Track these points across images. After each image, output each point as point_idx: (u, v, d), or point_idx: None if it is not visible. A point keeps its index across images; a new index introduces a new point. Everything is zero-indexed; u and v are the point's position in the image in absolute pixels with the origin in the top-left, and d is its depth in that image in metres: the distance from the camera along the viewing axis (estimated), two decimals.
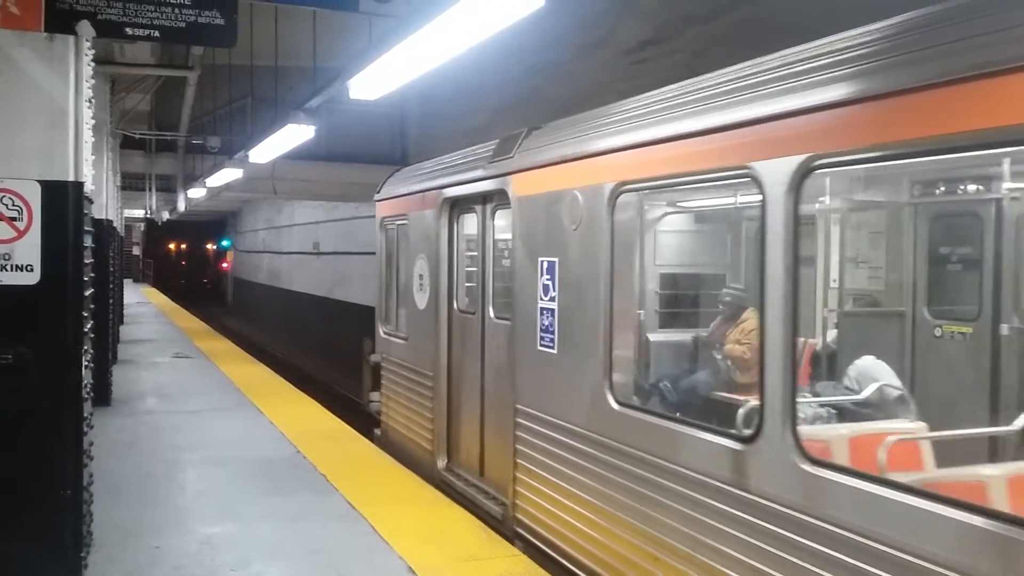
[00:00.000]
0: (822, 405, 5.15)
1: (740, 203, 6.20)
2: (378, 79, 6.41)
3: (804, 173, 3.51)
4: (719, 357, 6.46)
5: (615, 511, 4.74)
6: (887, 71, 3.19)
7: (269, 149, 12.08)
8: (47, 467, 4.59)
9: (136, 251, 46.61)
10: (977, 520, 2.77)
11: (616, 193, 4.88)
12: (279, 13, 10.92)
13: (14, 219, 4.46)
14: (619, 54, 10.10)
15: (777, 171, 3.58)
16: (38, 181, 4.50)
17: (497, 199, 6.57)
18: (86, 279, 4.82)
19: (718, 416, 5.23)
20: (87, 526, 4.94)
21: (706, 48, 8.94)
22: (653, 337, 6.68)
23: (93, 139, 4.99)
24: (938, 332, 5.83)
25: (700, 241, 7.32)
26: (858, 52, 3.38)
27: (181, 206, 26.10)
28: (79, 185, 4.64)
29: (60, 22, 4.52)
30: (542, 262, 5.66)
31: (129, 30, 4.72)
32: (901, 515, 3.02)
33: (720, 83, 4.18)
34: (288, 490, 6.79)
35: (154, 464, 7.52)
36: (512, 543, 5.73)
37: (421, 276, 7.88)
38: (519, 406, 5.90)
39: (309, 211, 30.13)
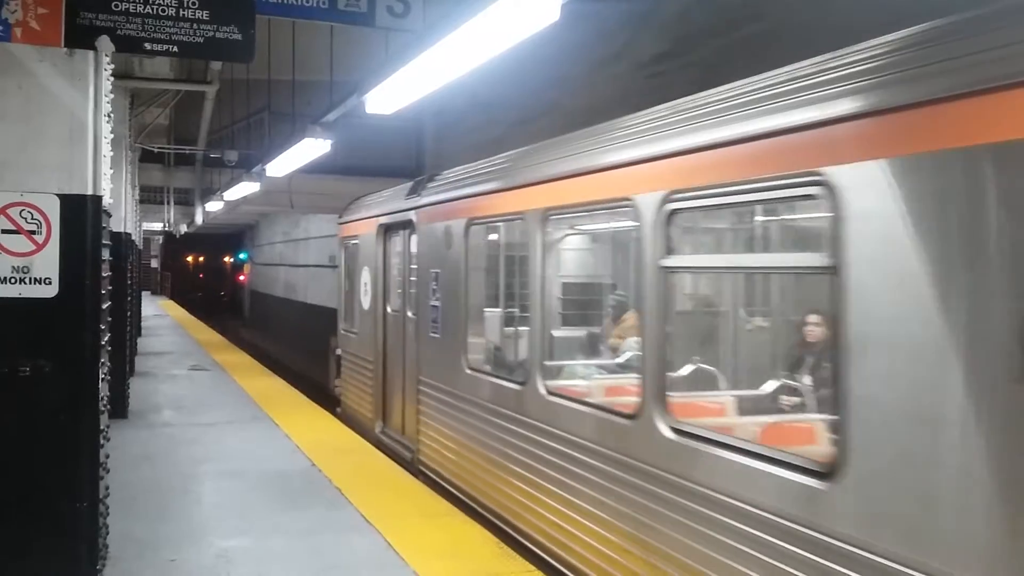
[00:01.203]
0: (585, 366, 7.11)
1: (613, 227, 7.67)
2: (394, 94, 6.43)
3: (664, 203, 4.48)
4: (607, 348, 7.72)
5: (469, 442, 6.94)
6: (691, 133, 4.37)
7: (286, 163, 12.14)
8: (63, 479, 4.60)
9: (154, 264, 46.98)
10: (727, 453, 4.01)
11: (468, 226, 7.12)
12: (296, 28, 11.00)
13: (33, 232, 4.49)
14: (635, 67, 10.11)
15: (648, 202, 4.58)
16: (57, 195, 4.53)
17: (412, 226, 8.51)
18: (104, 292, 4.85)
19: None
20: (103, 539, 4.95)
21: (722, 61, 8.93)
22: (556, 333, 7.63)
23: (112, 153, 5.02)
24: (749, 326, 7.16)
25: (595, 257, 8.95)
26: (692, 113, 4.47)
27: (199, 219, 26.29)
28: (98, 199, 4.67)
29: (80, 37, 4.57)
30: (431, 272, 7.80)
31: (148, 45, 4.76)
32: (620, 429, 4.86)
33: (601, 133, 5.42)
34: (303, 503, 6.79)
35: (170, 476, 7.54)
36: (417, 477, 7.81)
37: (366, 284, 10.13)
38: (420, 377, 8.11)
39: (325, 224, 30.19)
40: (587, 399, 5.62)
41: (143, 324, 21.19)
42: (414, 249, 8.49)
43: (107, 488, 5.04)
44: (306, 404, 11.60)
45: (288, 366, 25.68)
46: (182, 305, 37.54)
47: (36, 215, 4.49)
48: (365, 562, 5.49)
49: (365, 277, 10.16)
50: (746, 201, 4.60)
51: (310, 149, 10.18)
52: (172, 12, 4.76)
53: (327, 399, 12.60)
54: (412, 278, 8.55)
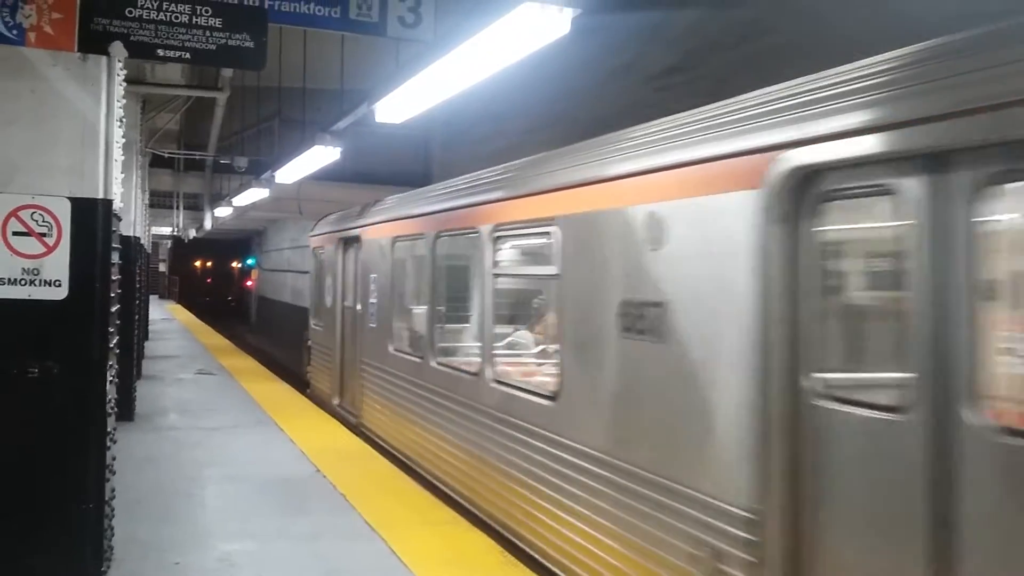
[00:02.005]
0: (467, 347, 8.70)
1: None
2: (404, 103, 6.48)
3: (493, 231, 6.82)
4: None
5: (391, 404, 9.23)
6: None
7: (295, 170, 12.20)
8: (70, 480, 4.64)
9: (162, 268, 47.11)
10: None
11: (393, 242, 9.51)
12: (308, 36, 11.07)
13: (44, 235, 4.54)
14: (644, 80, 10.15)
15: (486, 231, 6.90)
16: (68, 198, 4.58)
17: (359, 241, 10.91)
18: (113, 295, 4.89)
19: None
20: (108, 541, 4.97)
21: (732, 75, 8.96)
22: (449, 324, 9.27)
23: (123, 157, 5.07)
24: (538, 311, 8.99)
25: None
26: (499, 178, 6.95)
27: (207, 224, 26.40)
28: (108, 202, 4.71)
29: (93, 43, 4.62)
30: (371, 276, 10.28)
31: (161, 52, 4.81)
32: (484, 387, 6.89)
33: (469, 182, 7.71)
34: (307, 508, 6.80)
35: (175, 480, 7.56)
36: (360, 437, 9.86)
37: (329, 286, 12.47)
38: (362, 359, 10.53)
39: None
40: (458, 367, 7.74)
41: (151, 328, 21.25)
42: (361, 259, 10.83)
43: (113, 490, 5.07)
44: (311, 409, 11.62)
45: (295, 372, 25.72)
46: (189, 309, 37.64)
47: (47, 218, 4.54)
48: (368, 569, 5.50)
49: (328, 281, 12.54)
50: (528, 232, 6.65)
51: (319, 156, 10.24)
52: (185, 19, 4.81)
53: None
54: (359, 281, 11.00)
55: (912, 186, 3.22)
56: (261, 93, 15.59)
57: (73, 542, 4.62)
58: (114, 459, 5.08)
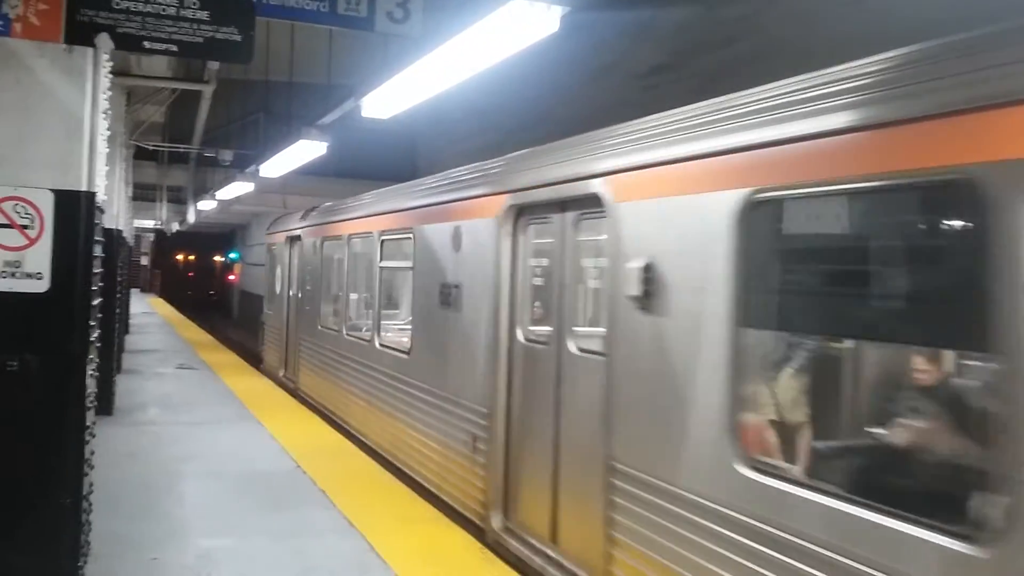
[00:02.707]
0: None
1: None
2: (391, 98, 6.47)
3: (380, 236, 9.36)
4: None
5: (318, 369, 11.68)
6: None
7: (281, 164, 12.15)
8: (48, 475, 4.58)
9: (144, 261, 46.77)
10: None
11: (322, 241, 12.04)
12: (295, 30, 11.02)
13: (26, 227, 4.49)
14: (631, 78, 10.16)
15: (376, 235, 9.48)
16: (51, 190, 4.53)
17: (301, 239, 13.41)
18: (95, 288, 4.84)
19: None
20: (85, 536, 4.93)
21: (719, 75, 8.99)
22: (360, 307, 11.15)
23: (107, 150, 5.02)
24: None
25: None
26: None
27: (191, 218, 26.24)
28: (91, 195, 4.67)
29: (79, 34, 4.57)
30: (307, 268, 12.84)
31: (147, 44, 4.77)
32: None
33: (371, 199, 10.28)
34: (287, 505, 6.78)
35: (154, 475, 7.52)
36: (296, 399, 12.18)
37: (279, 276, 14.88)
38: (300, 336, 13.01)
39: None
40: (360, 337, 10.16)
41: (132, 321, 21.10)
42: (301, 254, 13.45)
43: (91, 485, 5.02)
44: (292, 405, 11.58)
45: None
46: (171, 303, 37.38)
47: (29, 210, 4.49)
48: (347, 565, 5.49)
49: (278, 272, 15.05)
50: (399, 238, 8.88)
51: (305, 151, 10.20)
52: (172, 11, 4.77)
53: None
54: (298, 273, 13.56)
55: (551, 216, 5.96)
56: (247, 87, 15.51)
57: (50, 537, 4.57)
58: (93, 453, 5.04)
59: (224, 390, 12.51)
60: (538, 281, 6.32)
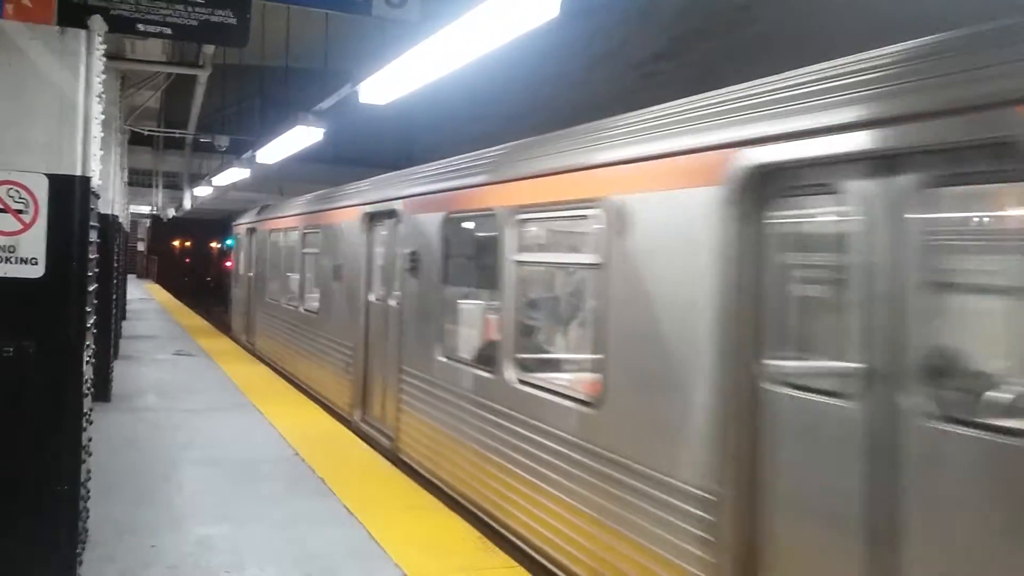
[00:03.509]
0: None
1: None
2: (389, 84, 6.41)
3: (304, 229, 13.26)
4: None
5: (273, 334, 14.68)
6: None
7: (277, 150, 12.08)
8: (45, 462, 4.56)
9: (140, 247, 46.66)
10: None
11: (270, 233, 15.77)
12: (291, 14, 10.93)
13: (20, 212, 4.44)
14: (631, 66, 10.10)
15: (301, 229, 13.31)
16: (45, 174, 4.48)
17: (256, 230, 16.96)
18: (90, 274, 4.80)
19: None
20: (83, 523, 4.90)
21: (718, 62, 8.93)
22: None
23: (102, 134, 4.97)
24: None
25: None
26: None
27: (187, 204, 26.15)
28: (86, 180, 4.62)
29: (72, 16, 4.51)
30: (262, 254, 16.29)
31: (141, 26, 4.70)
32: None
33: (303, 202, 13.87)
34: (285, 493, 6.76)
35: (152, 462, 7.50)
36: (254, 356, 15.23)
37: (240, 259, 18.80)
38: (256, 307, 16.30)
39: None
40: (294, 305, 13.35)
41: (128, 307, 21.03)
42: (255, 242, 17.17)
43: (89, 472, 4.99)
44: (291, 392, 11.57)
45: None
46: (168, 289, 37.30)
47: (24, 194, 4.44)
48: (347, 553, 5.47)
49: (242, 256, 18.73)
50: (313, 232, 12.42)
51: (302, 137, 10.14)
52: None
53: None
54: (254, 257, 17.18)
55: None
56: (243, 72, 15.40)
57: (48, 524, 4.55)
58: (90, 440, 5.01)
59: (222, 377, 12.49)
60: (380, 262, 9.60)
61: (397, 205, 8.67)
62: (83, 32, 4.57)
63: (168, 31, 4.73)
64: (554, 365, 6.93)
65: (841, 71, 3.58)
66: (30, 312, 4.48)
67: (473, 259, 8.26)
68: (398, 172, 9.62)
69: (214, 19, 4.77)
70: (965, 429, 3.04)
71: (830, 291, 3.95)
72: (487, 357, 6.85)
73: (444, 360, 7.46)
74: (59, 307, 4.53)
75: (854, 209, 3.44)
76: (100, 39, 4.77)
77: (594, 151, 5.22)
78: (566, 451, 5.23)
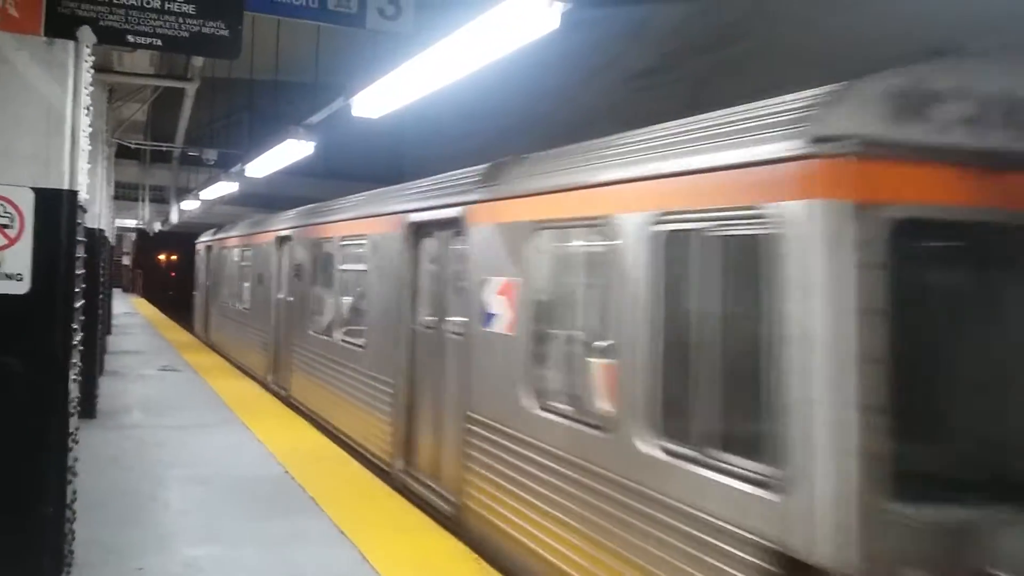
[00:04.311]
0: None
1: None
2: (382, 97, 6.33)
3: (242, 248, 16.74)
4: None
5: (224, 328, 18.35)
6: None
7: (266, 164, 11.99)
8: (30, 483, 4.44)
9: (126, 261, 46.34)
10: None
11: (220, 248, 19.53)
12: (281, 27, 10.86)
13: (5, 226, 4.33)
14: (624, 80, 10.08)
15: (239, 247, 17.10)
16: (32, 188, 4.38)
17: (212, 248, 20.67)
18: (77, 290, 4.69)
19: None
20: (68, 545, 4.77)
21: (711, 76, 8.92)
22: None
23: (90, 147, 4.87)
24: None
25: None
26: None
27: (174, 218, 25.97)
28: (73, 194, 4.52)
29: (61, 27, 4.43)
30: (216, 269, 19.99)
31: (131, 38, 4.63)
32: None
33: (245, 225, 17.47)
34: (275, 512, 6.63)
35: (138, 481, 7.35)
36: (210, 347, 19.10)
37: (199, 272, 22.84)
38: (210, 308, 20.54)
39: None
40: (236, 305, 16.72)
41: (114, 322, 20.83)
42: (212, 258, 20.43)
43: (74, 492, 4.87)
44: (279, 408, 11.42)
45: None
46: (154, 304, 37.00)
47: (9, 208, 4.34)
48: (339, 575, 5.35)
49: (200, 268, 22.43)
50: (246, 249, 16.25)
51: (292, 151, 10.05)
52: (157, 4, 4.63)
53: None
54: (210, 270, 20.67)
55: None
56: (232, 85, 15.32)
57: (32, 547, 4.42)
58: (76, 460, 4.88)
59: (209, 392, 12.33)
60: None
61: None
62: (71, 43, 4.49)
63: (159, 43, 4.66)
64: None
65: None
66: (15, 329, 4.37)
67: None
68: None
69: (206, 31, 4.69)
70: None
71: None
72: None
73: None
74: (45, 324, 4.42)
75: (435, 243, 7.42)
76: (88, 50, 4.68)
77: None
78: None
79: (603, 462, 4.60)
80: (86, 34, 4.48)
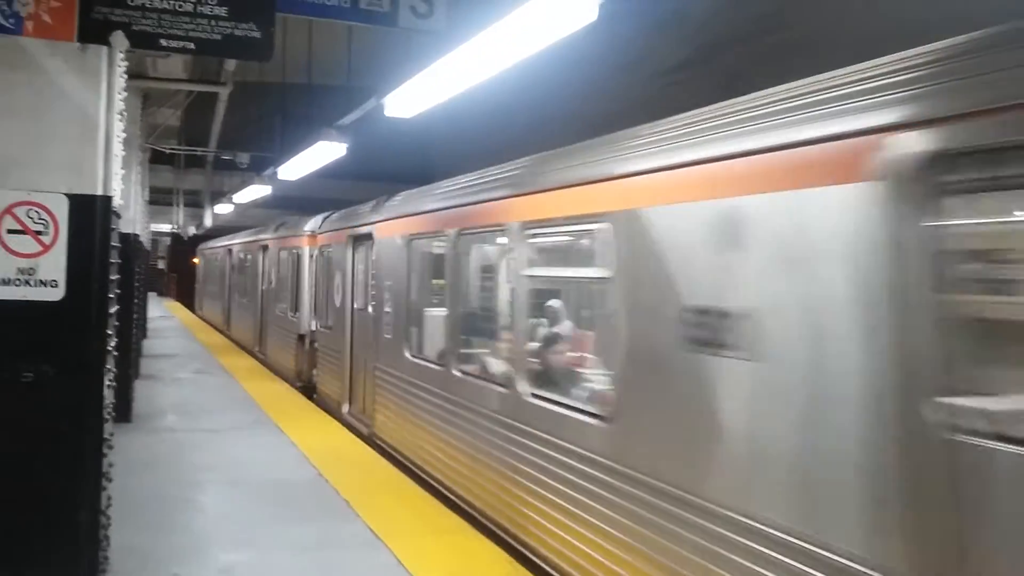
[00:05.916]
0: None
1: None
2: (415, 97, 6.27)
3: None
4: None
5: (238, 321, 21.36)
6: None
7: (299, 166, 12.00)
8: (65, 489, 4.44)
9: (161, 265, 46.85)
10: None
11: (214, 256, 27.29)
12: (313, 30, 10.86)
13: (40, 233, 4.33)
14: (655, 75, 9.95)
15: (237, 254, 22.68)
16: (66, 195, 4.38)
17: (206, 256, 30.30)
18: (111, 296, 4.68)
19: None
20: (104, 551, 4.77)
21: (744, 70, 8.76)
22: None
23: (124, 153, 4.86)
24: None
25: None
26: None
27: (208, 222, 26.18)
28: (107, 199, 4.51)
29: (93, 33, 4.42)
30: (210, 272, 28.24)
31: (164, 42, 4.61)
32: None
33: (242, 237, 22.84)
34: (309, 515, 6.60)
35: (174, 485, 7.36)
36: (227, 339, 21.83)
37: (199, 274, 32.54)
38: (202, 299, 30.66)
39: None
40: (242, 303, 20.49)
41: (149, 326, 21.05)
42: (207, 261, 29.16)
43: (109, 498, 4.86)
44: (313, 410, 11.42)
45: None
46: (188, 307, 37.38)
47: (44, 215, 4.34)
48: None
49: (202, 269, 30.14)
50: (246, 254, 20.53)
51: (324, 152, 10.04)
52: (189, 8, 4.62)
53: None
54: (210, 274, 27.28)
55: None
56: (264, 89, 15.38)
57: (67, 553, 4.43)
58: (111, 466, 4.88)
59: (243, 395, 12.38)
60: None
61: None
62: (104, 49, 4.48)
63: (191, 46, 4.64)
64: None
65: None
66: (50, 335, 4.37)
67: None
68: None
69: (238, 33, 4.67)
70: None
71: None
72: None
73: None
74: (79, 331, 4.41)
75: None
76: (122, 56, 4.67)
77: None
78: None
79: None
80: (119, 39, 4.47)
